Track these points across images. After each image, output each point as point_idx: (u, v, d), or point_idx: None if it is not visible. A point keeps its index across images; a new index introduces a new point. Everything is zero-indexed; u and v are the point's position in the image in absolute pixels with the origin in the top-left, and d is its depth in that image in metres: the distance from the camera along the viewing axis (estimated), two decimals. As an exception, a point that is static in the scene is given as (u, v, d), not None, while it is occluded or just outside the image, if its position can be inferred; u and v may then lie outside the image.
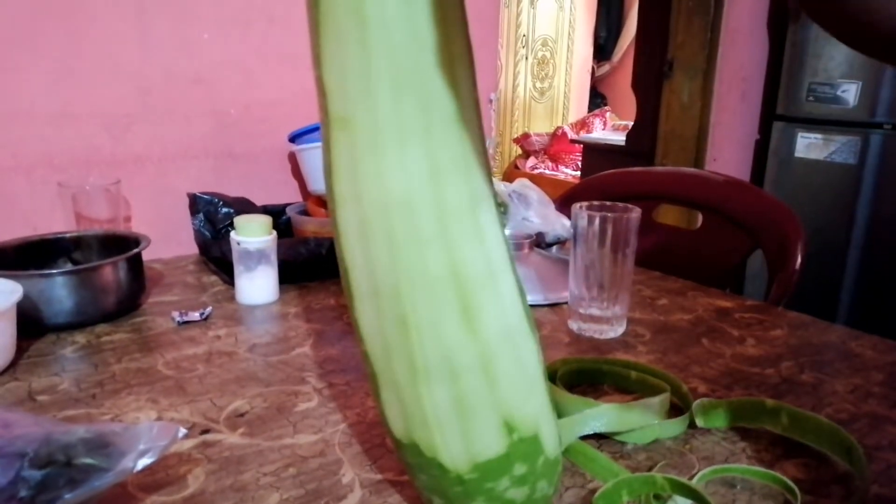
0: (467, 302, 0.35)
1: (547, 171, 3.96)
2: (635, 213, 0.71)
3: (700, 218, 1.09)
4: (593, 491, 0.45)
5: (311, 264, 0.89)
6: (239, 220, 0.80)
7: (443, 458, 0.36)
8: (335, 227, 0.36)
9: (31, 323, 0.69)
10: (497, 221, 0.37)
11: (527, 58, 4.24)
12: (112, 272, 0.74)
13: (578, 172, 3.65)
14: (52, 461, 0.34)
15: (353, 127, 0.33)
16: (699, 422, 0.55)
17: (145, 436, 0.38)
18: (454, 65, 0.33)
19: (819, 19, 0.33)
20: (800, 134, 1.99)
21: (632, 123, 2.55)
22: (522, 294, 0.38)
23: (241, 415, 0.55)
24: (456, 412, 0.36)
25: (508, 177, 4.09)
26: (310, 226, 1.00)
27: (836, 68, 1.90)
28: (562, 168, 3.95)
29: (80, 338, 0.70)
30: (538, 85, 4.35)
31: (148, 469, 0.47)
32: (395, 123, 0.33)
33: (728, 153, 2.17)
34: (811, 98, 1.95)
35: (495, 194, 0.38)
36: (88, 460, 0.35)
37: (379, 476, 0.47)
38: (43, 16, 0.96)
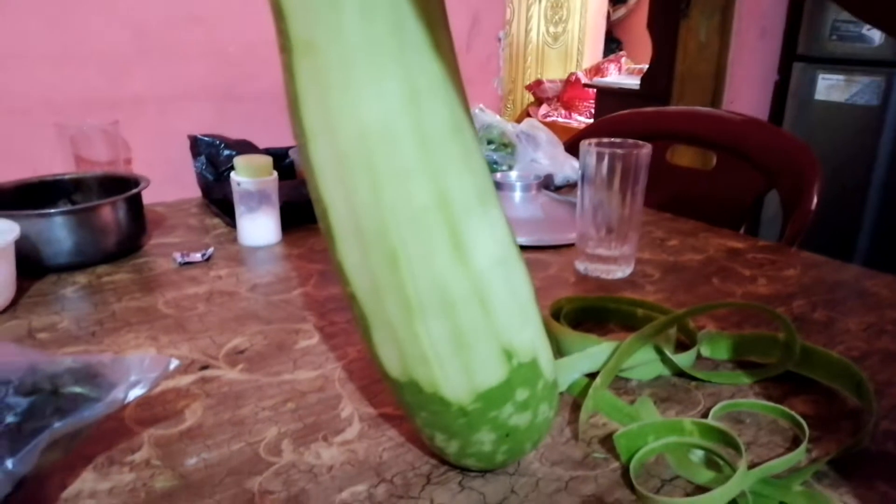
0: (457, 232, 0.33)
1: (560, 119, 3.88)
2: (645, 149, 0.69)
3: (714, 158, 1.06)
4: (607, 430, 0.45)
5: (312, 205, 0.88)
6: (239, 161, 0.78)
7: (444, 392, 0.35)
8: (307, 165, 0.34)
9: (31, 264, 0.68)
10: (479, 146, 0.35)
11: (540, 1, 4.11)
12: (111, 212, 0.73)
13: (592, 120, 3.58)
14: (38, 389, 0.33)
15: (319, 51, 0.31)
16: (705, 351, 0.54)
17: (136, 367, 0.37)
18: None
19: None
20: (821, 75, 1.92)
21: (647, 66, 2.48)
22: (505, 216, 0.37)
23: (241, 352, 0.55)
24: (454, 345, 0.34)
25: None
26: (313, 168, 0.98)
27: (861, 4, 1.82)
28: (575, 116, 3.87)
29: (81, 278, 0.70)
30: (552, 29, 4.23)
31: (145, 402, 0.47)
32: (365, 45, 0.30)
33: (746, 95, 2.11)
34: (834, 37, 1.88)
35: (472, 117, 0.36)
36: (77, 389, 0.35)
37: (378, 410, 0.47)
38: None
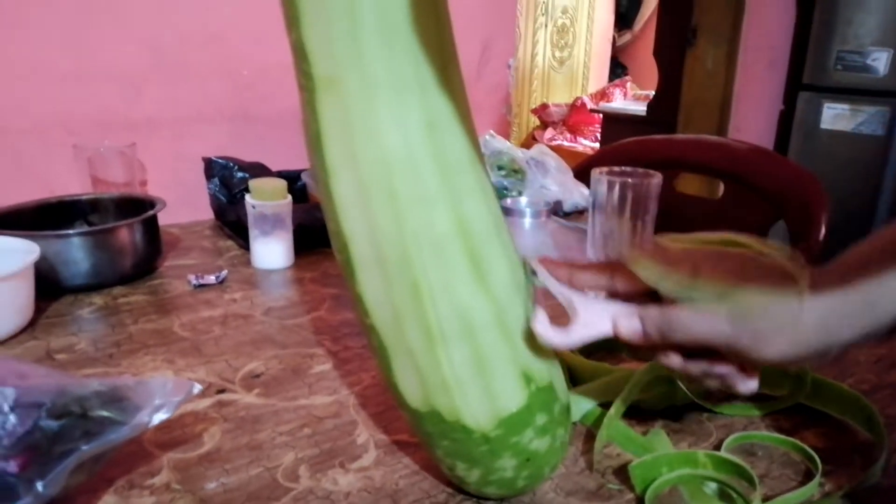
0: (477, 258, 0.34)
1: (565, 143, 3.91)
2: (656, 178, 0.70)
3: (721, 187, 1.07)
4: (621, 460, 0.45)
5: (326, 229, 0.89)
6: (254, 184, 0.79)
7: (466, 420, 0.36)
8: (328, 199, 0.35)
9: (49, 284, 0.69)
10: (488, 172, 0.37)
11: (546, 26, 4.16)
12: (128, 234, 0.74)
13: (597, 144, 3.60)
14: (68, 412, 0.34)
15: (341, 85, 0.32)
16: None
17: (160, 391, 0.38)
18: (440, 17, 0.32)
19: None
20: (826, 104, 1.94)
21: (653, 93, 2.50)
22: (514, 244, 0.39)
23: (257, 376, 0.55)
24: (476, 370, 0.35)
25: (526, 148, 4.04)
26: (325, 191, 1.00)
27: (866, 35, 1.84)
28: (580, 140, 3.90)
29: (98, 299, 0.71)
30: (557, 54, 4.27)
31: (164, 426, 0.47)
32: (388, 78, 0.32)
33: (752, 123, 2.12)
34: (839, 67, 1.90)
35: (479, 145, 0.37)
36: (104, 413, 0.35)
37: (393, 437, 0.47)
38: (57, -24, 0.95)
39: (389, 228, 0.33)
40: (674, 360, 0.38)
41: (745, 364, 0.38)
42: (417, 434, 0.40)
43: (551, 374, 0.38)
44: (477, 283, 0.34)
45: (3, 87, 0.95)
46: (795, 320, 0.34)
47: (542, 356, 0.37)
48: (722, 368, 0.38)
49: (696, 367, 0.38)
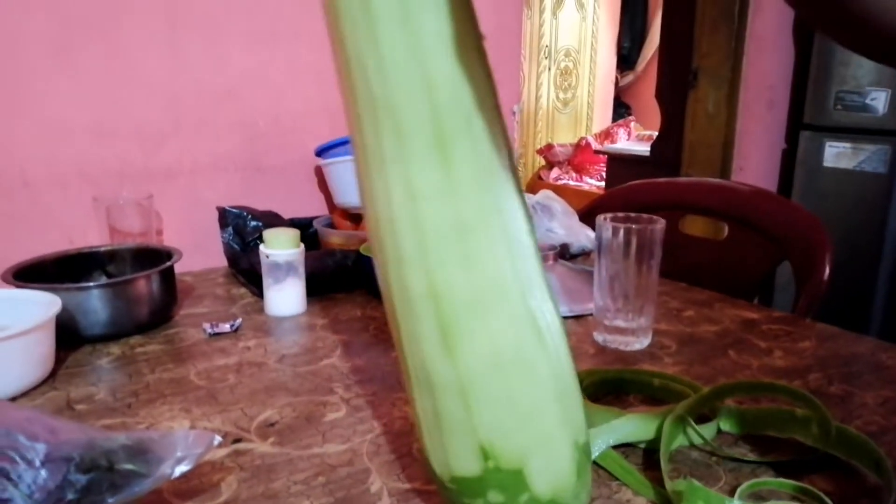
0: (446, 327, 0.35)
1: (571, 182, 3.95)
2: (659, 224, 0.72)
3: (726, 228, 1.09)
4: None
5: (337, 276, 0.91)
6: (268, 234, 0.81)
7: (431, 460, 0.39)
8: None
9: (68, 334, 0.71)
10: (508, 242, 0.35)
11: (549, 68, 4.25)
12: (145, 285, 0.76)
13: (603, 183, 3.63)
14: (96, 466, 0.35)
15: (356, 150, 0.36)
16: (725, 426, 0.55)
17: (182, 443, 0.39)
18: (435, 92, 0.33)
19: (819, 25, 0.32)
20: (828, 143, 1.97)
21: (656, 133, 2.54)
22: (547, 313, 0.37)
23: (272, 424, 0.56)
24: (435, 423, 0.37)
25: (532, 188, 4.08)
26: (336, 238, 1.02)
27: (864, 76, 1.88)
28: (586, 179, 3.94)
29: (115, 349, 0.72)
30: (561, 95, 4.35)
31: (183, 476, 0.48)
32: (376, 150, 0.34)
33: (755, 163, 2.15)
34: (839, 107, 1.93)
35: (518, 206, 0.37)
36: (129, 466, 0.36)
37: (407, 485, 0.48)
38: (78, 32, 1.00)
39: (383, 277, 0.37)
40: None
41: None
42: None
43: (525, 461, 0.36)
44: (443, 350, 0.35)
45: (27, 141, 0.98)
46: None
47: (518, 439, 0.36)
48: None
49: None
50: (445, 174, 0.34)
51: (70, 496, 0.33)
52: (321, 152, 1.14)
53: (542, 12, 4.10)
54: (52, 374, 0.66)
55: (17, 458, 0.33)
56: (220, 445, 0.53)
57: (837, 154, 1.95)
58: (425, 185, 0.34)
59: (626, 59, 4.60)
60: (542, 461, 0.37)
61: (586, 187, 3.80)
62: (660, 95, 2.38)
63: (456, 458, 0.37)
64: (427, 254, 0.34)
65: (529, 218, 0.38)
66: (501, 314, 0.35)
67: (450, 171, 0.34)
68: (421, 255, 0.34)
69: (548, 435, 0.37)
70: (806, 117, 2.01)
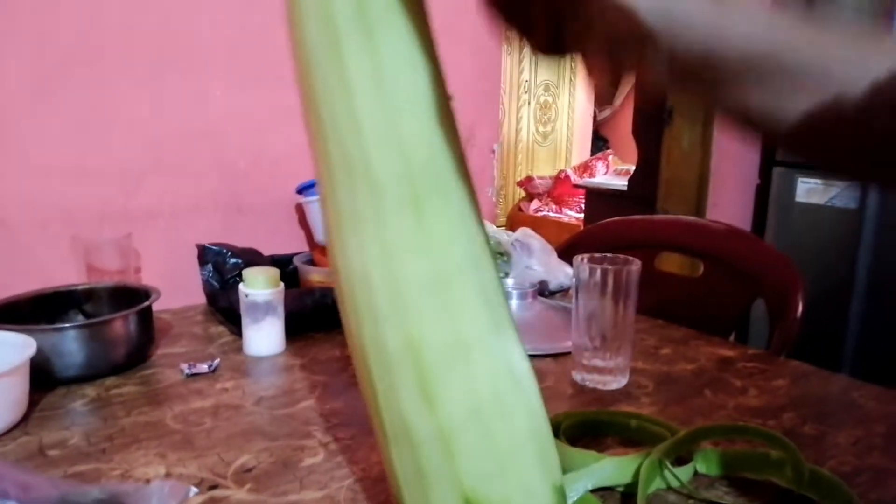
0: (425, 379, 0.35)
1: (551, 214, 3.99)
2: (636, 265, 0.73)
3: (702, 266, 1.11)
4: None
5: (316, 314, 0.91)
6: (247, 273, 0.81)
7: None
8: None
9: (42, 376, 0.70)
10: (481, 292, 0.37)
11: (529, 103, 4.32)
12: (122, 325, 0.75)
13: (582, 215, 3.67)
14: (68, 523, 0.35)
15: (326, 206, 0.37)
16: (701, 468, 0.55)
17: (157, 496, 0.39)
18: (409, 151, 0.34)
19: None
20: (800, 179, 2.01)
21: (633, 167, 2.59)
22: (517, 359, 0.38)
23: (248, 470, 0.56)
24: (417, 478, 0.37)
25: (512, 219, 4.12)
26: (315, 275, 1.02)
27: (833, 115, 1.93)
28: (565, 210, 3.98)
29: (90, 391, 0.71)
30: (541, 129, 4.42)
31: (157, 527, 0.48)
32: (349, 208, 0.35)
33: (729, 199, 2.19)
34: (810, 144, 1.98)
35: (482, 260, 0.38)
36: (102, 521, 0.36)
37: (384, 533, 0.48)
38: (58, 73, 1.00)
39: (354, 332, 0.37)
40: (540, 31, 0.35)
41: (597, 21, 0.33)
42: None
43: None
44: (422, 404, 0.35)
45: (6, 181, 0.98)
46: None
47: (503, 485, 0.37)
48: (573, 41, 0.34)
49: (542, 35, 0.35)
50: (420, 229, 0.35)
51: (41, 554, 0.33)
52: (302, 190, 1.14)
53: (521, 48, 4.18)
54: (25, 418, 0.64)
55: (-12, 516, 0.33)
56: (197, 495, 0.52)
57: (809, 189, 1.99)
58: (400, 241, 0.35)
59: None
60: (527, 501, 0.37)
61: (566, 219, 3.84)
62: (636, 132, 2.43)
63: None
64: (404, 308, 0.35)
65: (497, 267, 0.40)
66: (479, 363, 0.36)
67: (424, 226, 0.35)
68: (397, 309, 0.35)
69: (528, 479, 0.38)
70: (779, 154, 2.06)
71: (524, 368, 0.39)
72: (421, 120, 0.34)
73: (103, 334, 0.74)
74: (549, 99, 4.42)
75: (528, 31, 0.37)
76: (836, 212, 1.92)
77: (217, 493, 0.52)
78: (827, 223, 1.94)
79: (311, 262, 1.10)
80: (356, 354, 0.37)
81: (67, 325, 0.73)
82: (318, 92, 0.34)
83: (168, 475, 0.55)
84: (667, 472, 0.52)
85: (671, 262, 1.21)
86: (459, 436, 0.36)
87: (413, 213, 0.35)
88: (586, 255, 0.75)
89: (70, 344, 0.71)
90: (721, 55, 0.32)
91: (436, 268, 0.35)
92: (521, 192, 4.27)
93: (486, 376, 0.36)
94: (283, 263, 1.01)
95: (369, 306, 0.35)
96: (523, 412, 0.38)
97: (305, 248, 1.25)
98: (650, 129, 2.28)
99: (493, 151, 1.44)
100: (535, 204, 4.12)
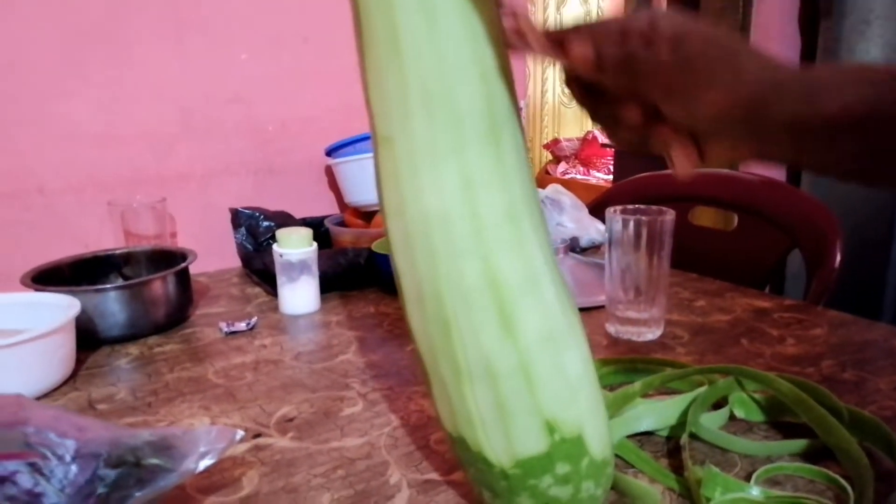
0: (506, 310, 0.36)
1: (578, 176, 3.94)
2: (669, 215, 0.72)
3: (735, 219, 1.09)
4: (636, 489, 0.46)
5: (350, 274, 0.92)
6: (281, 233, 0.82)
7: (487, 454, 0.38)
8: (388, 236, 0.39)
9: (87, 336, 0.72)
10: (540, 227, 0.38)
11: (554, 63, 4.24)
12: (162, 286, 0.77)
13: (610, 176, 3.63)
14: (123, 461, 0.36)
15: (394, 146, 0.36)
16: (738, 413, 0.55)
17: (204, 439, 0.40)
18: (488, 81, 0.35)
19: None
20: (836, 131, 1.95)
21: (663, 126, 2.53)
22: (568, 296, 0.40)
23: (290, 420, 0.57)
24: (497, 412, 0.37)
25: (540, 182, 4.06)
26: (347, 236, 1.03)
27: (872, 62, 1.87)
28: (593, 172, 3.93)
29: (134, 349, 0.73)
30: (567, 90, 4.34)
31: (206, 471, 0.49)
32: (428, 142, 0.35)
33: (763, 152, 2.14)
34: (847, 94, 1.91)
35: (537, 199, 0.39)
36: (155, 461, 0.37)
37: (425, 476, 0.49)
38: (88, 44, 1.01)
39: (427, 273, 0.36)
40: (631, 123, 0.38)
41: (686, 123, 0.37)
42: (454, 454, 0.42)
43: (582, 427, 0.38)
44: (503, 334, 0.36)
45: (42, 150, 1.00)
46: (736, 61, 0.35)
47: (574, 409, 0.38)
48: (659, 137, 0.38)
49: (633, 127, 0.38)
50: (499, 161, 0.36)
51: (99, 490, 0.34)
52: (331, 152, 1.14)
53: (546, 7, 4.10)
54: (73, 376, 0.67)
55: (49, 454, 0.34)
56: (241, 441, 0.53)
57: (846, 142, 1.93)
58: (481, 174, 0.35)
59: (631, 52, 4.58)
60: (593, 425, 0.39)
61: (594, 181, 3.80)
62: (666, 87, 2.37)
63: (521, 440, 0.37)
64: (485, 241, 0.35)
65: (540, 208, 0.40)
66: (547, 292, 0.38)
67: (501, 158, 0.36)
68: (478, 243, 0.35)
69: (593, 399, 0.40)
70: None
71: (573, 300, 0.40)
72: (496, 48, 0.35)
73: (143, 295, 0.75)
74: (575, 59, 4.33)
75: (613, 128, 0.40)
76: (875, 163, 1.86)
77: (261, 441, 0.54)
78: (865, 175, 1.88)
79: (343, 224, 1.10)
80: (422, 302, 0.37)
81: (109, 286, 0.75)
82: (398, 25, 0.34)
83: (213, 425, 0.56)
84: (704, 418, 0.52)
85: (704, 217, 1.20)
86: (538, 364, 0.37)
87: (493, 144, 0.35)
88: (619, 207, 0.74)
89: (112, 304, 0.73)
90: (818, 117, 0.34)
91: (511, 200, 0.36)
92: (547, 155, 4.22)
93: (554, 303, 0.38)
94: (314, 226, 1.02)
95: (447, 243, 0.35)
96: (580, 335, 0.40)
97: (336, 210, 1.26)
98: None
99: (521, 109, 1.43)
100: (562, 167, 4.07)
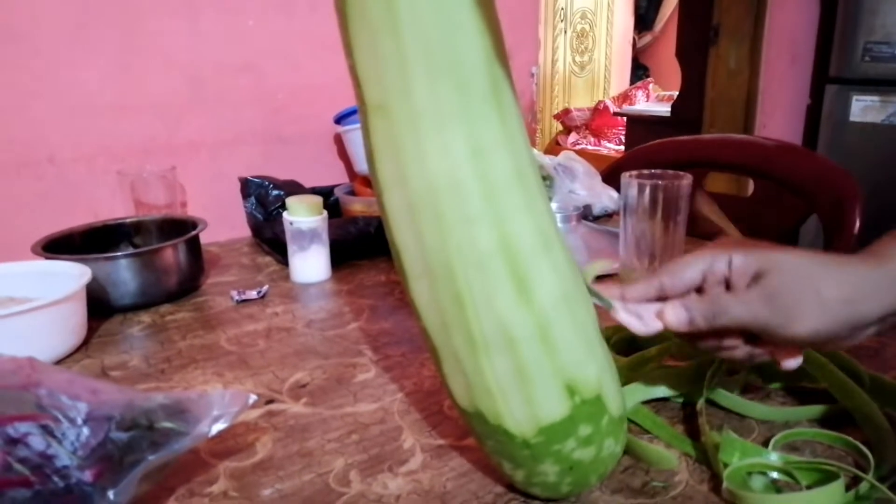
0: (521, 274, 0.35)
1: (589, 147, 3.90)
2: (686, 179, 0.70)
3: (751, 185, 1.07)
4: (652, 453, 0.46)
5: (360, 243, 0.91)
6: (290, 201, 0.81)
7: (508, 425, 0.37)
8: (383, 211, 0.37)
9: (99, 304, 0.72)
10: (543, 190, 0.37)
11: (565, 31, 4.17)
12: (173, 254, 0.77)
13: (622, 147, 3.58)
14: (136, 424, 0.36)
15: (391, 114, 0.34)
16: (755, 379, 0.54)
17: (218, 402, 0.40)
18: (487, 41, 0.34)
19: None
20: (855, 97, 1.91)
21: (676, 94, 2.49)
22: (571, 255, 0.39)
23: (303, 386, 0.57)
24: (517, 380, 0.36)
25: (551, 153, 4.04)
26: (357, 205, 1.02)
27: (894, 24, 1.82)
28: (604, 143, 3.89)
29: (146, 317, 0.73)
30: (578, 59, 4.27)
31: (219, 436, 0.49)
32: (432, 107, 0.33)
33: (778, 119, 2.11)
34: (867, 58, 1.87)
35: (537, 163, 0.38)
36: (168, 424, 0.37)
37: (438, 441, 0.48)
38: (97, 14, 0.99)
39: (435, 244, 0.35)
40: (738, 349, 0.43)
41: (784, 345, 0.41)
42: (470, 430, 0.41)
43: (601, 385, 0.38)
44: (519, 298, 0.35)
45: (54, 119, 0.99)
46: (818, 295, 0.38)
47: (592, 368, 0.38)
48: (764, 353, 0.43)
49: (742, 352, 0.43)
50: (503, 122, 0.35)
51: (113, 453, 0.34)
52: (340, 119, 1.13)
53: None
54: (85, 343, 0.67)
55: (61, 417, 0.34)
56: (253, 406, 0.53)
57: (865, 108, 1.90)
58: (489, 136, 0.34)
59: (644, 19, 4.50)
60: (609, 383, 0.39)
61: (605, 151, 3.75)
62: (680, 54, 2.33)
63: (543, 406, 0.36)
64: (497, 205, 0.34)
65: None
66: (558, 253, 0.37)
67: (505, 119, 0.35)
68: (491, 207, 0.34)
69: (605, 358, 0.40)
70: (832, 70, 1.96)
71: (575, 261, 0.40)
72: (490, 4, 0.34)
73: (154, 263, 0.75)
74: (587, 27, 4.25)
75: (719, 352, 0.45)
76: (894, 130, 1.83)
77: (274, 406, 0.54)
78: (884, 142, 1.85)
79: (352, 193, 1.10)
80: (429, 275, 0.36)
81: (120, 253, 0.75)
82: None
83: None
84: (717, 383, 0.52)
85: (719, 183, 1.18)
86: (555, 325, 0.36)
87: (496, 105, 0.34)
88: (634, 172, 0.73)
89: (123, 273, 0.73)
90: None
91: (518, 161, 0.35)
92: (558, 126, 4.17)
93: (565, 264, 0.37)
94: (324, 195, 1.01)
95: (458, 210, 0.34)
96: (587, 297, 0.40)
97: (346, 179, 1.25)
98: (695, 49, 2.18)
99: (532, 75, 1.40)
100: (572, 137, 4.02)
